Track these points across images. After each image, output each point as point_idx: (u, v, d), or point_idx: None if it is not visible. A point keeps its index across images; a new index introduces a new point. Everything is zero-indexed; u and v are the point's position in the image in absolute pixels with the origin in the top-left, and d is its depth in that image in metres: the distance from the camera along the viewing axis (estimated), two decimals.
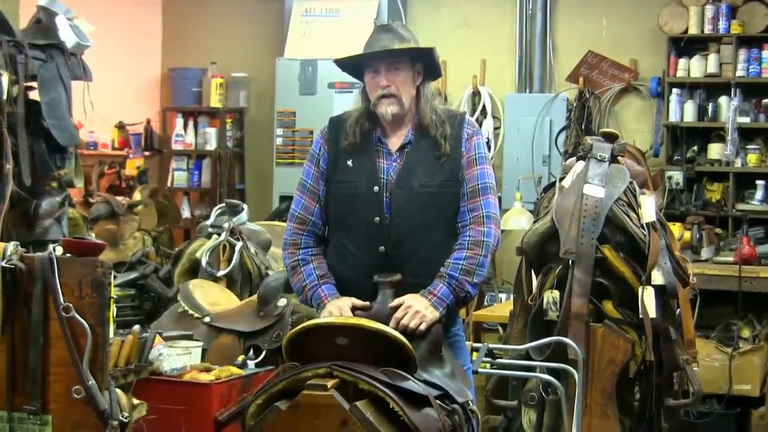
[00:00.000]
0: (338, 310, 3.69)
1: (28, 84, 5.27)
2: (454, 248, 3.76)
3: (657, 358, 4.78)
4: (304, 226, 3.93)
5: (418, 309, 3.65)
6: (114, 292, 3.23)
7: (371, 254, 3.78)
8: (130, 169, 9.01)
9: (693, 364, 5.06)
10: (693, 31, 7.72)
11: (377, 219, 3.78)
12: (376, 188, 3.79)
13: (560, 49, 8.40)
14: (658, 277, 4.76)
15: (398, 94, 3.80)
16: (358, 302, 3.72)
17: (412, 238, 3.77)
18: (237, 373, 4.14)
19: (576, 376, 4.52)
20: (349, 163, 3.86)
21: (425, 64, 3.89)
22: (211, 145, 9.10)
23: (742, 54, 7.58)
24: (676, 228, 6.82)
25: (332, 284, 3.85)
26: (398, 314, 3.66)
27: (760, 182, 7.55)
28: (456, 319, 3.97)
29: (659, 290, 4.75)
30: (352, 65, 3.94)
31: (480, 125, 8.09)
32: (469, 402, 3.59)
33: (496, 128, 8.29)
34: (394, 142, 3.87)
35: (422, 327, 3.63)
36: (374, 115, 3.86)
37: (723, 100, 7.65)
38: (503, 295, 7.60)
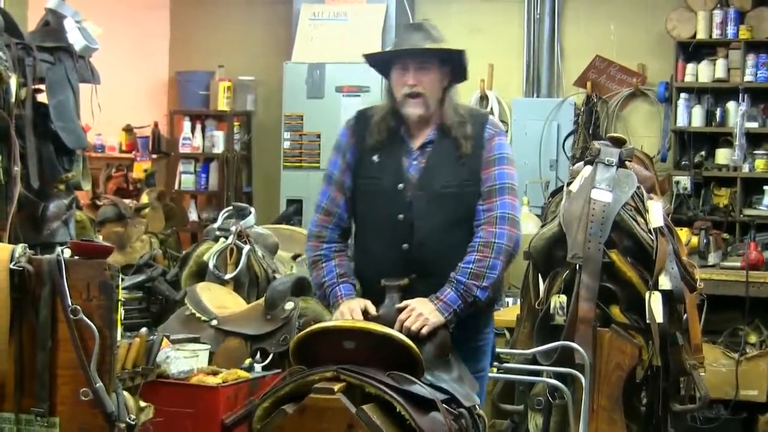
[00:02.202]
0: (350, 311, 3.68)
1: (36, 86, 5.28)
2: (467, 251, 3.75)
3: (664, 363, 4.78)
4: (330, 218, 3.90)
5: (421, 312, 3.63)
6: (121, 295, 3.24)
7: (395, 252, 3.77)
8: (138, 171, 9.03)
9: (700, 369, 5.05)
10: (701, 36, 7.71)
11: (401, 216, 3.77)
12: (400, 186, 3.79)
13: (568, 54, 8.40)
14: (665, 282, 4.76)
15: (425, 94, 3.78)
16: (371, 307, 3.71)
17: (435, 238, 3.75)
18: (244, 376, 4.13)
19: (583, 380, 4.52)
20: (375, 158, 3.84)
21: (453, 67, 3.88)
22: (219, 149, 9.11)
23: (750, 59, 7.58)
24: (683, 233, 6.82)
25: (351, 284, 3.84)
26: (402, 316, 3.65)
27: (767, 187, 7.53)
28: (487, 320, 3.95)
29: (666, 295, 4.75)
30: (381, 62, 3.93)
31: None
32: (476, 406, 3.58)
33: None
34: (417, 141, 3.85)
35: (424, 330, 3.61)
36: (399, 112, 3.84)
37: (731, 105, 7.65)
38: (510, 299, 7.59)
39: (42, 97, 5.35)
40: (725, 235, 7.46)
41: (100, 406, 3.13)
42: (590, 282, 4.68)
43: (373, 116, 3.88)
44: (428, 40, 3.81)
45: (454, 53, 3.85)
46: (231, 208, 5.59)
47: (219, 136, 9.14)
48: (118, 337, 3.23)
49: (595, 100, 8.11)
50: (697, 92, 7.77)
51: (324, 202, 3.92)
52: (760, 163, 7.57)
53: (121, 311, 3.23)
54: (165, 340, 3.78)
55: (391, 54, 3.87)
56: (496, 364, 4.61)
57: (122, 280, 3.30)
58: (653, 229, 4.85)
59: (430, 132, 3.84)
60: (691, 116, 7.75)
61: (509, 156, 3.85)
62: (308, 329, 3.49)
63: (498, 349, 4.57)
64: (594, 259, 4.70)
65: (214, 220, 5.81)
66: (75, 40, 5.48)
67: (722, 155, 7.68)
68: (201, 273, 5.24)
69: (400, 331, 3.59)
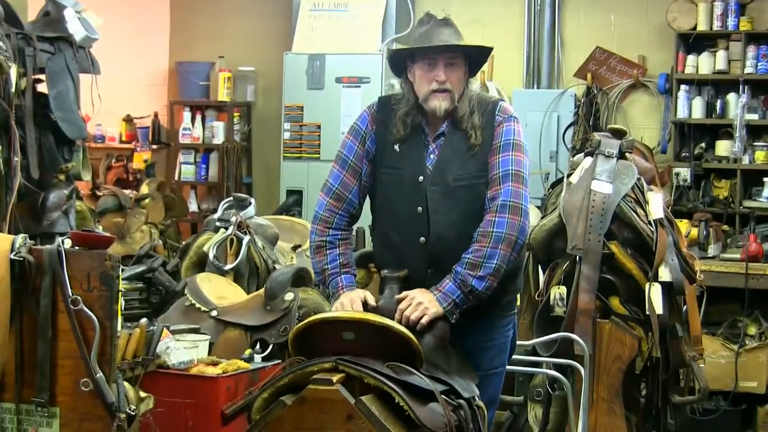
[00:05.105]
0: (350, 303, 3.69)
1: (37, 77, 5.29)
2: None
3: (663, 354, 4.79)
4: (340, 204, 3.87)
5: (421, 301, 3.64)
6: (122, 286, 3.24)
7: (413, 244, 3.77)
8: (138, 162, 9.03)
9: (699, 360, 5.06)
10: (702, 27, 7.70)
11: (420, 209, 3.77)
12: (420, 178, 3.78)
13: (568, 45, 8.39)
14: (665, 274, 4.77)
15: (452, 90, 3.76)
16: (371, 297, 3.72)
17: (452, 232, 3.74)
18: (244, 366, 4.14)
19: (582, 372, 4.53)
20: (396, 148, 3.83)
21: (471, 62, 3.87)
22: (219, 139, 9.10)
23: (751, 51, 7.56)
24: (683, 225, 6.82)
25: (352, 275, 3.85)
26: (402, 305, 3.66)
27: (767, 179, 7.53)
28: (505, 317, 3.94)
29: (666, 287, 4.76)
30: (401, 56, 3.88)
31: None
32: (475, 397, 3.59)
33: None
34: (433, 133, 3.84)
35: (424, 320, 3.61)
36: (422, 107, 3.82)
37: (731, 96, 7.64)
38: None
39: (42, 88, 5.35)
40: (725, 227, 7.46)
41: (100, 397, 3.13)
42: (590, 273, 4.69)
43: (396, 108, 3.85)
44: (456, 36, 3.80)
45: (485, 50, 3.87)
46: (231, 198, 5.59)
47: (219, 126, 9.14)
48: (119, 328, 3.23)
49: (596, 92, 8.10)
50: (698, 84, 7.76)
51: (336, 186, 3.88)
52: (760, 155, 7.56)
53: (121, 302, 3.23)
54: (165, 330, 3.78)
55: (428, 49, 3.78)
56: None
57: (122, 270, 3.30)
58: (653, 220, 4.86)
59: (444, 124, 3.83)
60: (692, 108, 7.74)
61: (516, 141, 3.81)
62: (307, 320, 3.49)
63: None
64: (594, 251, 4.71)
65: (214, 210, 5.81)
66: (75, 30, 5.48)
67: (722, 147, 7.67)
68: (201, 264, 5.24)
69: (400, 321, 3.60)
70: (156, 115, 9.33)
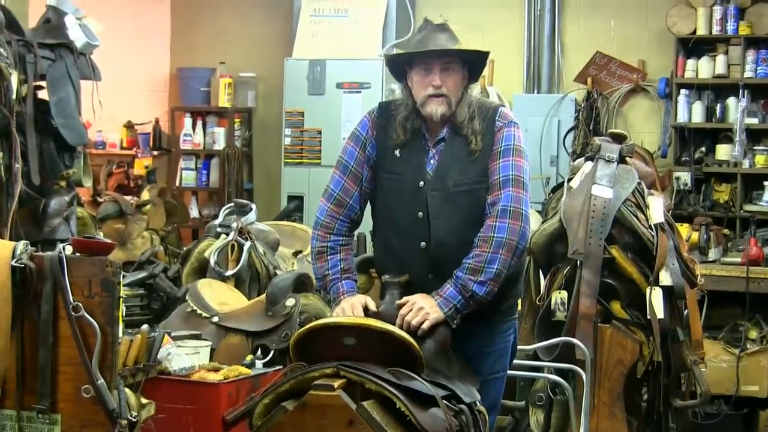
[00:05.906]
0: (351, 308, 3.69)
1: (38, 83, 5.28)
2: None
3: (665, 358, 4.80)
4: (341, 210, 3.88)
5: (422, 306, 3.64)
6: (123, 292, 3.24)
7: (413, 249, 3.78)
8: (139, 168, 9.04)
9: (701, 365, 5.07)
10: (701, 32, 7.71)
11: (420, 214, 3.77)
12: (421, 183, 3.78)
13: (568, 50, 8.40)
14: (666, 278, 4.77)
15: (449, 95, 3.77)
16: (372, 303, 3.72)
17: (452, 237, 3.74)
18: (245, 372, 4.14)
19: (584, 376, 4.53)
20: (397, 153, 3.84)
21: (470, 68, 3.87)
22: (220, 145, 9.11)
23: (750, 55, 7.57)
24: (683, 229, 6.82)
25: (353, 280, 3.86)
26: (403, 311, 3.66)
27: (767, 183, 7.54)
28: (506, 322, 3.93)
29: (667, 291, 4.77)
30: (399, 62, 3.90)
31: None
32: (477, 402, 3.59)
33: None
34: (433, 138, 3.85)
35: (425, 325, 3.61)
36: (420, 112, 3.83)
37: (731, 101, 7.65)
38: None
39: (43, 94, 5.35)
40: (726, 231, 7.46)
41: (101, 403, 3.13)
42: (591, 278, 4.69)
43: (396, 113, 3.85)
44: (452, 41, 3.80)
45: (477, 55, 3.87)
46: (232, 204, 5.60)
47: (220, 132, 9.14)
48: (120, 334, 3.24)
49: (596, 96, 8.10)
50: (698, 88, 7.76)
51: (337, 192, 3.88)
52: (760, 159, 7.56)
53: (122, 308, 3.24)
54: (166, 336, 3.79)
55: (423, 54, 3.80)
56: None
57: (123, 276, 3.30)
58: (654, 225, 4.87)
59: (444, 130, 3.83)
60: (692, 112, 7.74)
61: (516, 146, 3.82)
62: (308, 326, 3.49)
63: None
64: (595, 255, 4.71)
65: (215, 216, 5.82)
66: (76, 36, 5.48)
67: (722, 151, 7.68)
68: (202, 269, 5.25)
69: (401, 326, 3.60)
70: (157, 121, 9.34)
